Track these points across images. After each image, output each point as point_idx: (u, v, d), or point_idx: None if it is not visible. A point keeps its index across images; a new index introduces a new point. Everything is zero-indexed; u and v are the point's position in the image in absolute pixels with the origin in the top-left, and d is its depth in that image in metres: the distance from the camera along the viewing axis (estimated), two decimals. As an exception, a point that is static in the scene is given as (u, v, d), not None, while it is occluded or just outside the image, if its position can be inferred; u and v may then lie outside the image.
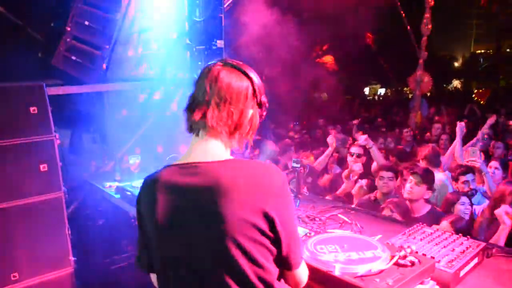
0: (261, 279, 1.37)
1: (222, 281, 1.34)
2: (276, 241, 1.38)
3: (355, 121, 8.90)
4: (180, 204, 1.40)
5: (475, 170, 4.21)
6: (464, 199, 3.71)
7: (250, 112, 1.47)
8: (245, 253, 1.33)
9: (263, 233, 1.34)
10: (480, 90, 20.92)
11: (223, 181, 1.34)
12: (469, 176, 4.14)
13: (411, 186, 3.61)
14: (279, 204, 1.36)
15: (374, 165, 4.86)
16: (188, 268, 1.40)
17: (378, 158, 4.81)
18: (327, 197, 4.21)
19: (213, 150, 1.44)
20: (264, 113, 1.54)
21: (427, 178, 3.63)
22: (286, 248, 1.39)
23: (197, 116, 1.43)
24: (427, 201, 3.67)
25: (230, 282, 1.34)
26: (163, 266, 1.47)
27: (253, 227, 1.33)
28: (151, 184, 1.47)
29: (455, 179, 4.24)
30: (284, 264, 1.44)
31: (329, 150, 5.36)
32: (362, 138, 4.76)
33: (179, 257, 1.42)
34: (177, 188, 1.40)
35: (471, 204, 3.78)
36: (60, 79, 4.36)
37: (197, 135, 1.46)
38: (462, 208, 3.66)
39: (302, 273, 1.51)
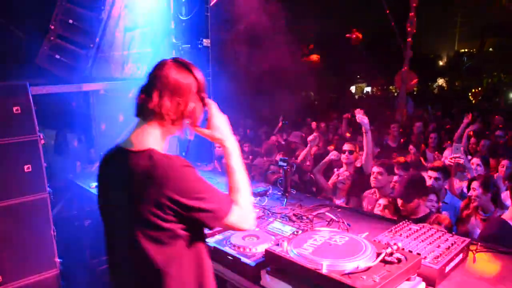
0: (165, 257, 1.62)
1: (132, 262, 1.69)
2: (187, 215, 1.58)
3: (345, 115, 8.88)
4: (107, 188, 1.78)
5: (448, 170, 4.28)
6: (432, 196, 3.78)
7: (192, 105, 1.70)
8: (151, 238, 1.59)
9: (167, 216, 1.56)
10: (477, 90, 21.23)
11: (130, 172, 1.61)
12: (431, 173, 4.20)
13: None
14: (176, 185, 1.55)
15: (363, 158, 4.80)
16: (112, 243, 1.81)
17: (369, 146, 4.63)
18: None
19: (147, 137, 1.68)
20: (206, 108, 1.77)
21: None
22: (199, 215, 1.60)
23: (149, 104, 1.65)
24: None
25: (138, 265, 1.65)
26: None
27: (156, 212, 1.56)
28: (101, 162, 1.83)
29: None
30: (209, 225, 1.66)
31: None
32: (364, 119, 4.50)
33: (108, 232, 1.82)
34: (109, 172, 1.77)
35: (438, 201, 3.87)
36: (44, 78, 4.30)
37: (143, 119, 1.70)
38: (429, 204, 3.72)
39: (235, 220, 1.68)
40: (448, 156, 5.24)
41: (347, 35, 20.90)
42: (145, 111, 1.68)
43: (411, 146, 6.34)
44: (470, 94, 20.85)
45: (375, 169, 4.20)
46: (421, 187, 3.59)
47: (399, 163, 4.64)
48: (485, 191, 3.70)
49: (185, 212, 1.57)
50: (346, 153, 4.87)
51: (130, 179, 1.61)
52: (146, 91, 1.68)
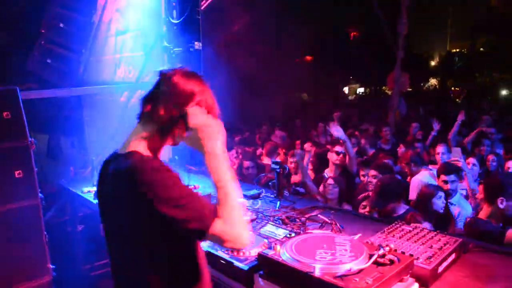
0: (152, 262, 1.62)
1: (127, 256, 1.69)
2: (165, 223, 1.51)
3: (335, 114, 8.90)
4: (102, 195, 1.77)
5: (458, 171, 4.27)
6: (440, 193, 3.74)
7: (187, 113, 1.62)
8: (137, 237, 1.60)
9: (146, 219, 1.54)
10: (457, 89, 21.36)
11: (113, 175, 1.63)
12: (450, 177, 4.15)
13: None
14: (152, 190, 1.49)
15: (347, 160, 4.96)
16: (111, 250, 1.76)
17: (350, 152, 4.88)
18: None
19: (133, 139, 1.68)
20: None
21: None
22: (176, 224, 1.51)
23: (145, 108, 1.68)
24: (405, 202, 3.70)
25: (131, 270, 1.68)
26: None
27: (136, 215, 1.55)
28: (100, 169, 1.79)
29: (438, 175, 4.29)
30: (189, 235, 1.61)
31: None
32: (337, 130, 4.76)
33: (108, 236, 1.76)
34: (102, 178, 1.75)
35: (446, 199, 3.84)
36: (35, 83, 4.28)
37: (140, 123, 1.71)
38: (439, 202, 3.68)
39: (218, 235, 1.52)
40: (441, 152, 5.29)
41: (348, 29, 21.01)
42: (143, 115, 1.70)
43: (400, 146, 6.38)
44: (452, 93, 20.99)
45: (371, 172, 4.21)
46: (395, 192, 3.51)
47: (377, 165, 4.61)
48: None
49: (162, 219, 1.50)
50: (335, 154, 4.95)
51: (113, 182, 1.62)
52: (148, 98, 1.71)
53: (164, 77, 1.68)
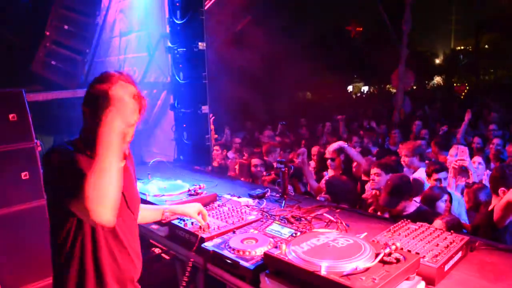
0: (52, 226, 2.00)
1: None
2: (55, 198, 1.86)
3: (339, 117, 8.88)
4: None
5: (449, 169, 4.28)
6: (445, 196, 3.72)
7: (89, 110, 1.86)
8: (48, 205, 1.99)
9: (48, 194, 1.97)
10: (459, 85, 21.32)
11: None
12: (442, 174, 4.14)
13: None
14: (49, 169, 1.83)
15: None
16: None
17: (358, 160, 5.01)
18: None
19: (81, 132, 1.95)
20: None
21: None
22: (50, 194, 1.93)
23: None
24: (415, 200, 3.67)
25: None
26: None
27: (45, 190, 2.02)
28: None
29: (429, 175, 4.26)
30: (62, 205, 1.77)
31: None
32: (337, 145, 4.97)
33: None
34: None
35: (451, 201, 3.81)
36: (40, 84, 4.30)
37: None
38: (443, 205, 3.66)
39: (77, 209, 1.68)
40: (454, 154, 5.24)
41: (347, 27, 21.01)
42: None
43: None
44: (455, 90, 20.99)
45: (373, 170, 4.20)
46: (406, 190, 3.48)
47: (380, 163, 4.59)
48: None
49: (55, 197, 1.86)
50: (329, 160, 5.03)
51: None
52: None
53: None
